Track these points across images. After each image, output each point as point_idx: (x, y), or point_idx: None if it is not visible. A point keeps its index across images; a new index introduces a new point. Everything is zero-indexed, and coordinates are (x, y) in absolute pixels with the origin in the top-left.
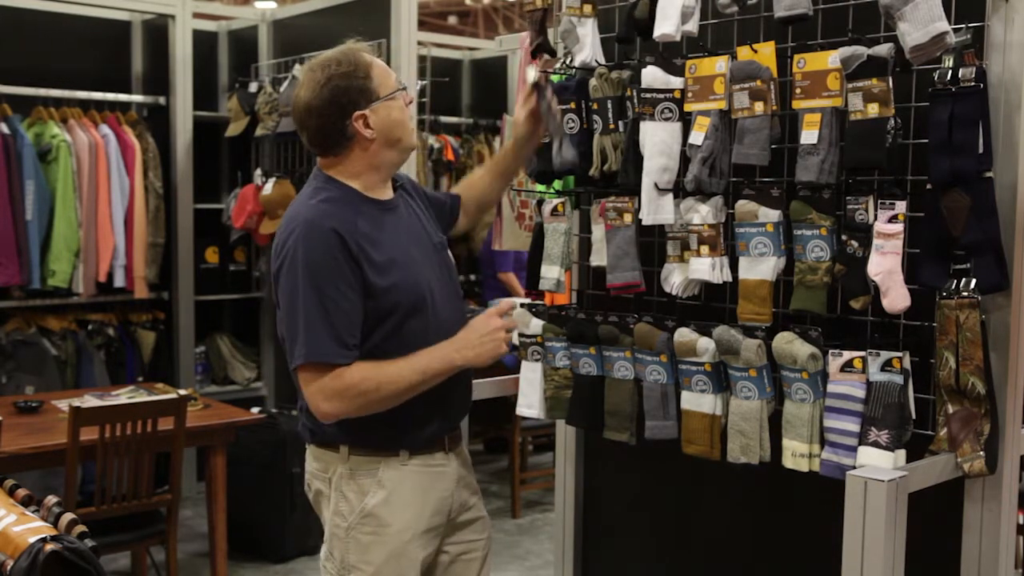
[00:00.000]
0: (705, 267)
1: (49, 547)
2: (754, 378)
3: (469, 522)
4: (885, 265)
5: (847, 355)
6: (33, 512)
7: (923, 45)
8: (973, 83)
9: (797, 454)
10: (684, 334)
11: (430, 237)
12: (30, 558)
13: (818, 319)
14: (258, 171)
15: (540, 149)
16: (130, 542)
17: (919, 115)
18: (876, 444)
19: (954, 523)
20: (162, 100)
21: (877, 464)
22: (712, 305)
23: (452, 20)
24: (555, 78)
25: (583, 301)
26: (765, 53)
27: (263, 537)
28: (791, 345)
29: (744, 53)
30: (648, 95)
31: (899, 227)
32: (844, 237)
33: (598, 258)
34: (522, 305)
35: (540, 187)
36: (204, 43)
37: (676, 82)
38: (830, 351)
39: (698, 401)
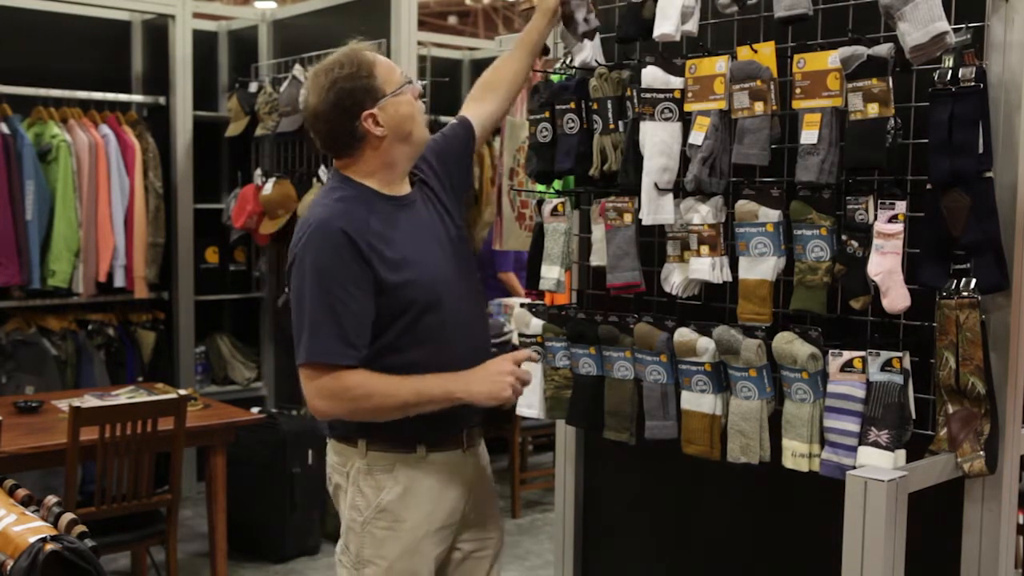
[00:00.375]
0: (705, 267)
1: (49, 547)
2: (754, 378)
3: (483, 520)
4: (885, 265)
5: (847, 355)
6: (33, 512)
7: (923, 45)
8: (973, 83)
9: (797, 454)
10: (684, 334)
11: (447, 231)
12: (30, 558)
13: (818, 319)
14: (258, 171)
15: (540, 149)
16: (130, 542)
17: (919, 115)
18: (876, 444)
19: (954, 523)
20: (162, 100)
21: (877, 464)
22: (712, 305)
23: (452, 20)
24: (555, 78)
25: (583, 301)
26: (765, 53)
27: (263, 537)
28: (791, 345)
29: (744, 53)
30: (648, 95)
31: (899, 227)
32: (844, 237)
33: (598, 258)
34: (522, 305)
35: (540, 187)
36: (204, 43)
37: (676, 82)
38: (830, 351)
39: (698, 401)
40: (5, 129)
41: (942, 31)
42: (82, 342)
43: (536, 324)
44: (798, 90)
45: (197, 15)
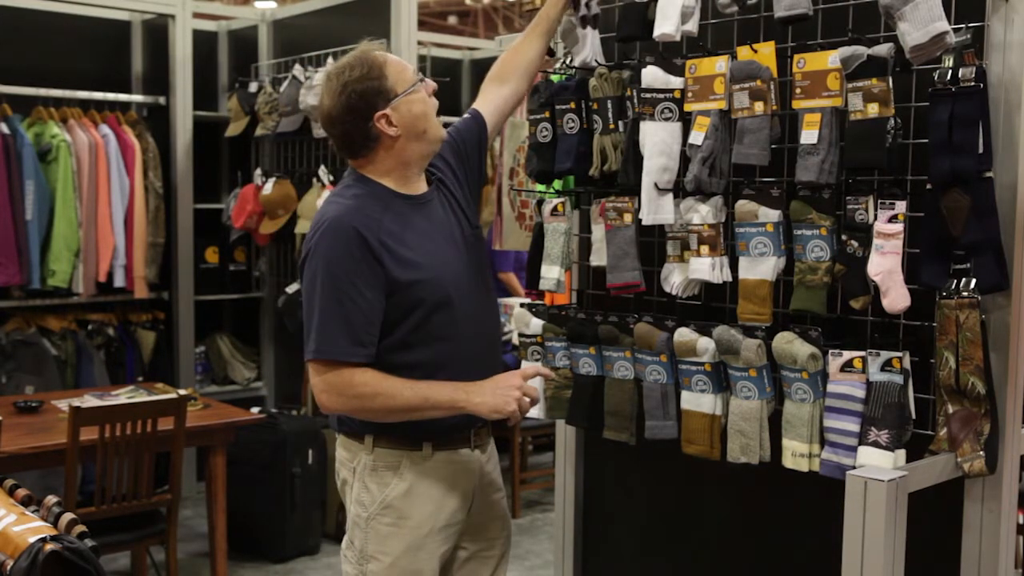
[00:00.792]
0: (705, 267)
1: (49, 547)
2: (754, 378)
3: (490, 520)
4: (885, 265)
5: (847, 355)
6: (33, 512)
7: (923, 45)
8: (973, 83)
9: (797, 454)
10: (684, 334)
11: (462, 230)
12: (30, 558)
13: (818, 319)
14: (258, 171)
15: (540, 149)
16: (130, 542)
17: (919, 115)
18: (876, 444)
19: (954, 523)
20: (162, 100)
21: (877, 464)
22: (712, 305)
23: (452, 20)
24: (555, 78)
25: (583, 301)
26: (765, 53)
27: (263, 537)
28: (791, 345)
29: (744, 53)
30: (648, 95)
31: (899, 227)
32: (844, 237)
33: (598, 258)
34: (522, 305)
35: (540, 187)
36: (204, 43)
37: (676, 82)
38: (830, 351)
39: (698, 401)
40: (5, 129)
41: (942, 31)
42: (82, 342)
43: (536, 324)
44: (798, 90)
45: (197, 15)
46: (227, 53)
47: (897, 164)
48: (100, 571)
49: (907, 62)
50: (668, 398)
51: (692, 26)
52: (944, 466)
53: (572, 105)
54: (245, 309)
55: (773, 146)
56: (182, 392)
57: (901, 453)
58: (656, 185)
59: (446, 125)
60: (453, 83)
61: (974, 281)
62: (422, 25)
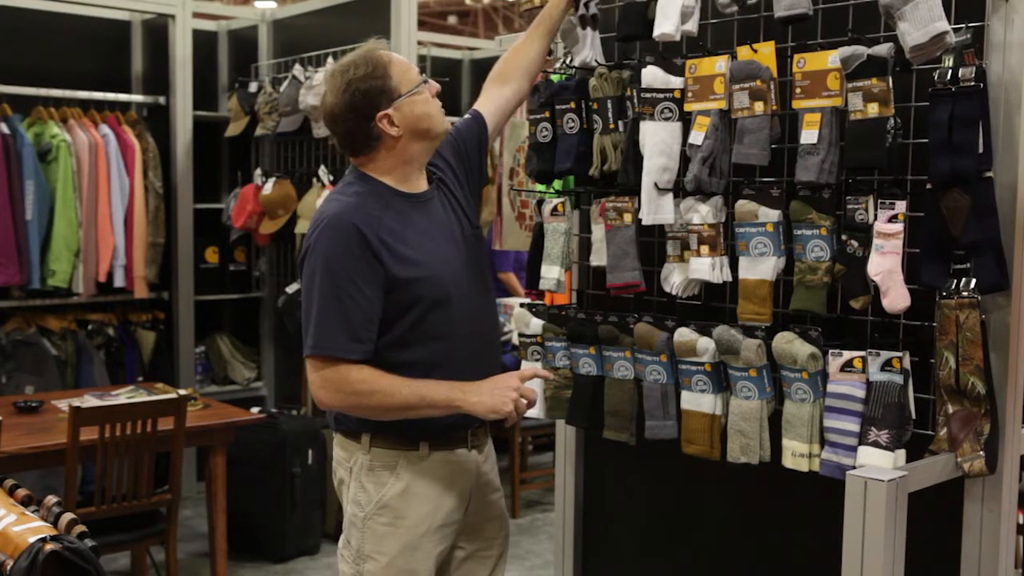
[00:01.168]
0: (705, 267)
1: (49, 547)
2: (754, 378)
3: (488, 520)
4: (885, 265)
5: (847, 355)
6: (33, 512)
7: (923, 45)
8: (973, 83)
9: (797, 454)
10: (684, 334)
11: (462, 229)
12: (30, 558)
13: (818, 319)
14: (258, 171)
15: (540, 149)
16: (130, 542)
17: (919, 115)
18: (876, 444)
19: (954, 523)
20: (162, 100)
21: (877, 464)
22: (712, 305)
23: (452, 20)
24: (555, 78)
25: (583, 301)
26: (765, 53)
27: (263, 537)
28: (791, 345)
29: (744, 53)
30: (648, 95)
31: (899, 227)
32: (844, 237)
33: (598, 258)
34: (522, 305)
35: (540, 187)
36: (204, 43)
37: (676, 82)
38: (830, 351)
39: (698, 401)
40: (5, 129)
41: (942, 31)
42: (82, 342)
43: (536, 324)
44: (798, 90)
45: (197, 15)
46: (227, 53)
47: (897, 164)
48: (100, 571)
49: (907, 62)
50: (668, 398)
51: (692, 26)
52: (944, 466)
53: (572, 105)
54: (245, 309)
55: (773, 146)
56: (182, 392)
57: (901, 453)
58: (656, 185)
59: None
60: (453, 83)
61: (974, 281)
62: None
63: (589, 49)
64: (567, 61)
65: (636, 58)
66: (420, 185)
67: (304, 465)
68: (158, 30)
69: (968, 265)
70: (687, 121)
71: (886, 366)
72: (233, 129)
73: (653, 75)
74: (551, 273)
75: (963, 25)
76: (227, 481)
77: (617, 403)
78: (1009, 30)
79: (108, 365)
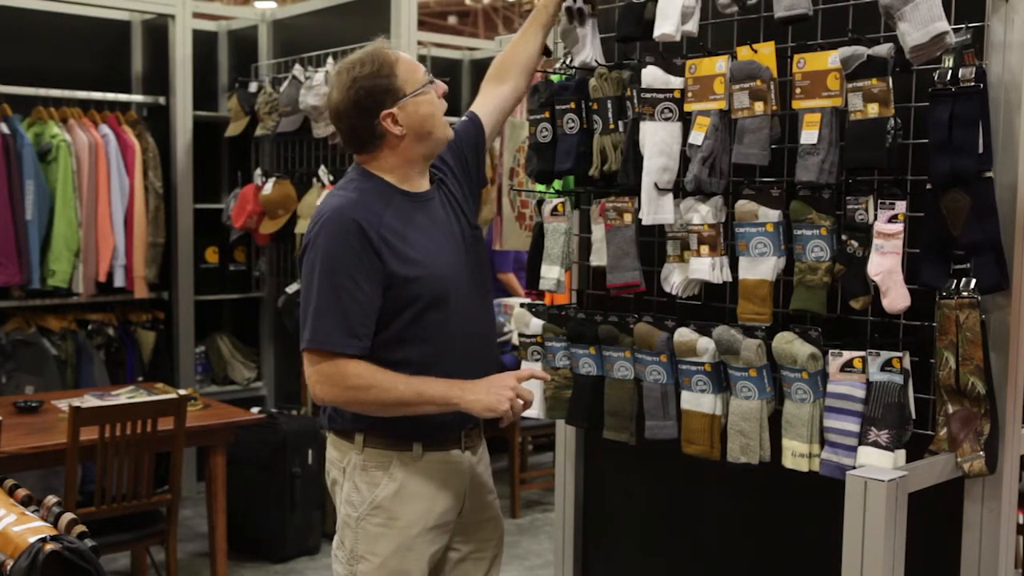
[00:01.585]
0: (705, 267)
1: (49, 547)
2: (754, 378)
3: (482, 522)
4: (885, 265)
5: (847, 355)
6: (33, 512)
7: (923, 45)
8: (973, 83)
9: (797, 454)
10: (684, 334)
11: (462, 230)
12: (30, 558)
13: (818, 319)
14: (258, 171)
15: (540, 149)
16: (130, 542)
17: (919, 115)
18: (876, 444)
19: (954, 523)
20: (162, 100)
21: (877, 464)
22: (712, 305)
23: (452, 20)
24: (555, 78)
25: (583, 301)
26: (765, 53)
27: (263, 537)
28: (791, 345)
29: (744, 53)
30: (648, 95)
31: (899, 227)
32: (844, 237)
33: (598, 258)
34: (522, 305)
35: (540, 187)
36: (204, 43)
37: (676, 82)
38: (830, 351)
39: (698, 401)
40: (5, 129)
41: (942, 31)
42: (82, 342)
43: (536, 324)
44: (798, 90)
45: (197, 15)
46: (227, 53)
47: (897, 164)
48: (100, 571)
49: (907, 62)
50: (668, 398)
51: (692, 26)
52: (944, 466)
53: (572, 105)
54: (245, 309)
55: (773, 146)
56: (182, 392)
57: (901, 453)
58: (656, 185)
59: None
60: (453, 83)
61: (974, 281)
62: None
63: (589, 49)
64: (567, 61)
65: (636, 58)
66: (422, 185)
67: (304, 465)
68: (158, 30)
69: (968, 265)
70: (687, 121)
71: (886, 366)
72: (233, 129)
73: (653, 75)
74: (551, 273)
75: (963, 25)
76: (227, 481)
77: (617, 403)
78: (1009, 30)
79: (108, 365)
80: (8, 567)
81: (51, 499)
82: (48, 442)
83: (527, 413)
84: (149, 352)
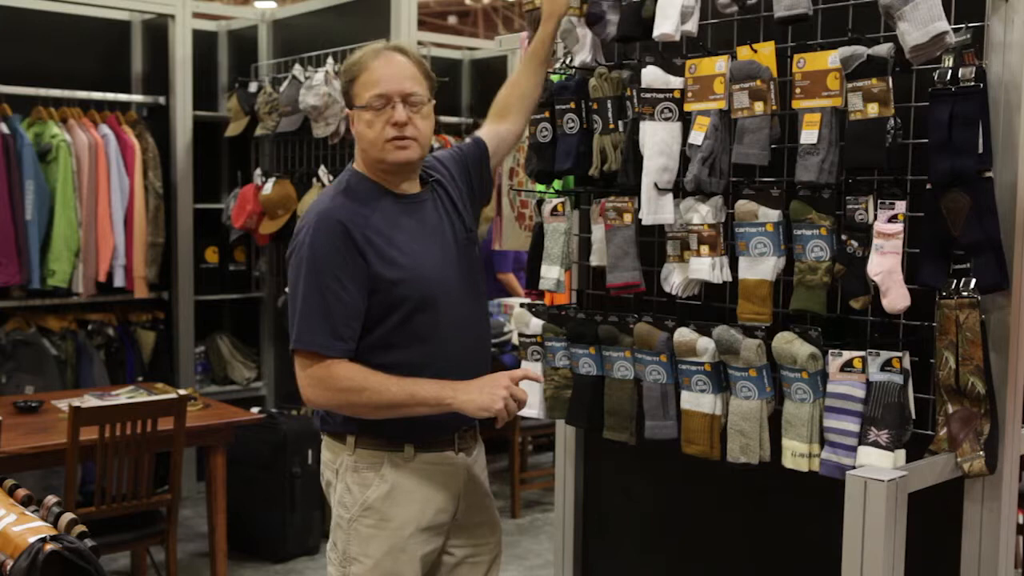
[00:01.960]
0: (705, 267)
1: (49, 547)
2: (754, 378)
3: (478, 525)
4: (885, 265)
5: (847, 355)
6: (33, 512)
7: (923, 45)
8: (973, 83)
9: (797, 454)
10: (684, 334)
11: (455, 233)
12: (30, 558)
13: (818, 319)
14: (258, 171)
15: (540, 149)
16: (130, 542)
17: (919, 115)
18: (876, 444)
19: (954, 523)
20: (162, 100)
21: (877, 464)
22: (712, 305)
23: (452, 20)
24: (555, 78)
25: (583, 301)
26: (765, 53)
27: (263, 537)
28: (791, 345)
29: (744, 53)
30: (648, 95)
31: (899, 227)
32: (844, 237)
33: (598, 258)
34: (522, 305)
35: (540, 187)
36: (204, 43)
37: (676, 82)
38: (830, 351)
39: (698, 401)
40: (5, 129)
41: (942, 31)
42: (82, 342)
43: (536, 324)
44: (798, 90)
45: (197, 15)
46: (227, 53)
47: (897, 164)
48: (100, 571)
49: (907, 62)
50: (668, 398)
51: (692, 26)
52: (944, 466)
53: (572, 105)
54: (245, 309)
55: (773, 146)
56: (182, 392)
57: (901, 453)
58: (656, 185)
59: (446, 127)
60: (453, 83)
61: (974, 281)
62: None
63: (589, 49)
64: (567, 61)
65: (636, 58)
66: (411, 187)
67: (304, 465)
68: (158, 30)
69: (968, 265)
70: (687, 121)
71: (886, 366)
72: (233, 129)
73: (653, 75)
74: (551, 273)
75: (963, 25)
76: (227, 481)
77: (617, 403)
78: (1009, 30)
79: (108, 365)
80: (8, 567)
81: (51, 499)
82: (48, 442)
83: (527, 413)
84: (149, 352)
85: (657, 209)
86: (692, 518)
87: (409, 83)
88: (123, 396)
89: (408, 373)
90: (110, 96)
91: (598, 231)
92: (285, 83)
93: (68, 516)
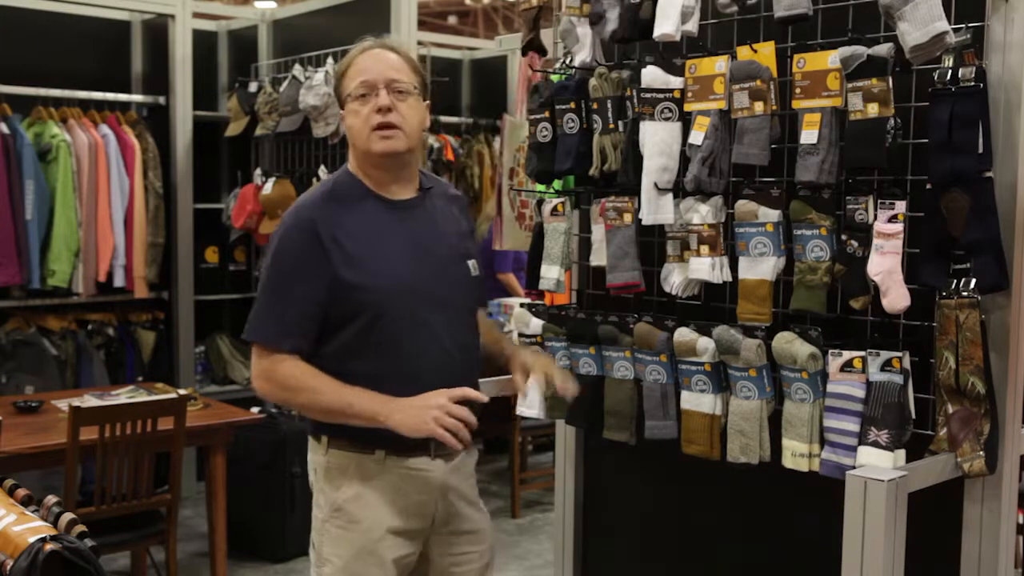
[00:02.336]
0: (705, 267)
1: (49, 547)
2: (754, 378)
3: (461, 533)
4: (885, 265)
5: (847, 355)
6: (33, 512)
7: (923, 45)
8: (973, 83)
9: (797, 454)
10: (684, 334)
11: (446, 241)
12: (30, 558)
13: (818, 319)
14: (258, 171)
15: (540, 149)
16: (130, 542)
17: (919, 115)
18: (876, 444)
19: (954, 523)
20: (162, 100)
21: (877, 464)
22: (712, 305)
23: (452, 20)
24: (555, 78)
25: (583, 301)
26: (765, 53)
27: (263, 537)
28: (791, 345)
29: (744, 53)
30: (648, 95)
31: (899, 227)
32: (844, 237)
33: (598, 258)
34: (522, 305)
35: (540, 187)
36: (204, 43)
37: (676, 82)
38: (830, 351)
39: (698, 401)
40: (5, 129)
41: (942, 31)
42: (82, 342)
43: (536, 324)
44: (798, 90)
45: (197, 15)
46: (227, 53)
47: (897, 164)
48: (100, 571)
49: (907, 62)
50: (668, 398)
51: (692, 26)
52: (944, 466)
53: (572, 105)
54: (245, 309)
55: (773, 146)
56: (182, 392)
57: (901, 453)
58: (656, 185)
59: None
60: (453, 83)
61: (974, 281)
62: (422, 25)
63: (589, 49)
64: (567, 61)
65: (636, 58)
66: (402, 192)
67: (304, 465)
68: (158, 30)
69: (968, 265)
70: (687, 121)
71: (886, 366)
72: (233, 129)
73: (653, 75)
74: (551, 273)
75: (963, 25)
76: (227, 481)
77: (617, 403)
78: (1009, 30)
79: (108, 365)
80: (8, 567)
81: (51, 499)
82: (48, 442)
83: (527, 413)
84: (149, 352)
85: (657, 209)
86: (692, 518)
87: (393, 72)
88: (123, 396)
89: (368, 384)
90: (110, 96)
91: (598, 231)
92: (285, 83)
93: (68, 516)
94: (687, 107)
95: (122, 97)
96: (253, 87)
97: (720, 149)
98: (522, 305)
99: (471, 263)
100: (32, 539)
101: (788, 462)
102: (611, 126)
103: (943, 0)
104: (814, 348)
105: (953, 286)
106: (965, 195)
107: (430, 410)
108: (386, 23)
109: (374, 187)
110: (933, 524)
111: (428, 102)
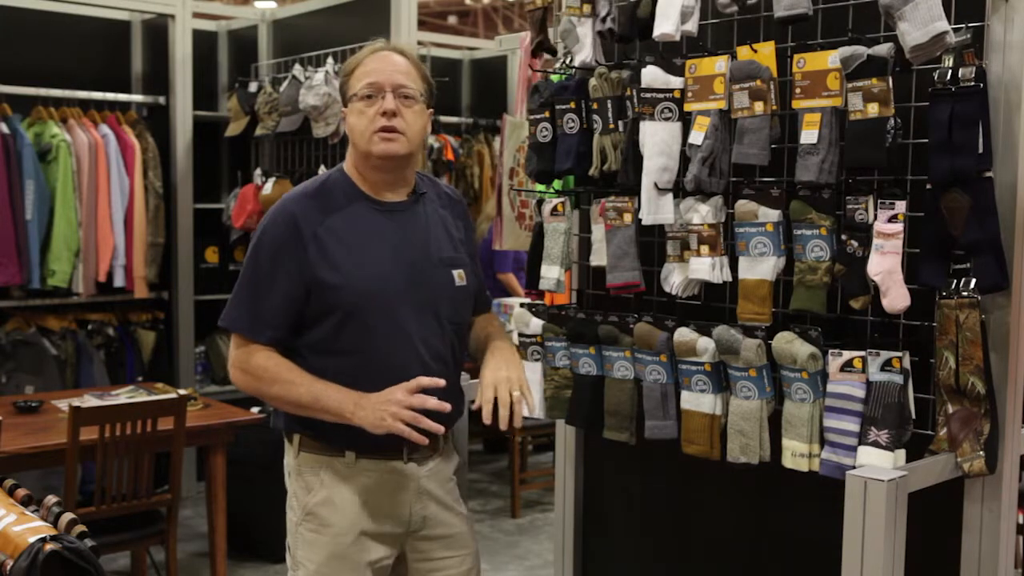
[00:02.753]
0: (705, 267)
1: (49, 547)
2: (754, 378)
3: (439, 537)
4: (885, 265)
5: (847, 355)
6: (33, 512)
7: (923, 45)
8: (973, 83)
9: (797, 454)
10: (684, 334)
11: (431, 254)
12: (30, 558)
13: (818, 319)
14: (258, 171)
15: (540, 149)
16: (130, 542)
17: (919, 115)
18: (876, 444)
19: (954, 523)
20: (162, 100)
21: (877, 464)
22: (712, 305)
23: (452, 20)
24: (555, 78)
25: (583, 301)
26: (765, 53)
27: (263, 537)
28: (791, 345)
29: (744, 53)
30: (648, 95)
31: (899, 227)
32: (844, 237)
33: (598, 258)
34: (522, 305)
35: (540, 187)
36: (204, 43)
37: (676, 82)
38: (830, 351)
39: (698, 401)
40: (5, 129)
41: (942, 31)
42: (82, 342)
43: (536, 324)
44: (798, 90)
45: (197, 15)
46: (227, 53)
47: (897, 164)
48: (100, 571)
49: (907, 62)
50: (668, 398)
51: (692, 26)
52: (944, 466)
53: (572, 105)
54: None
55: (773, 146)
56: (182, 392)
57: (901, 453)
58: (656, 185)
59: (446, 127)
60: (453, 83)
61: (974, 281)
62: (422, 25)
63: (589, 49)
64: (567, 61)
65: (636, 58)
66: (393, 195)
67: None
68: (158, 30)
69: (968, 265)
70: (687, 121)
71: (886, 366)
72: (233, 129)
73: (653, 75)
74: (551, 273)
75: (963, 25)
76: (227, 481)
77: (617, 403)
78: (1009, 30)
79: (108, 365)
80: (8, 567)
81: (51, 499)
82: (48, 442)
83: (526, 413)
84: (149, 352)
85: (657, 209)
86: (692, 518)
87: (402, 77)
88: (123, 396)
89: (343, 381)
90: (110, 96)
91: (598, 231)
92: (285, 83)
93: (68, 516)
94: (687, 107)
95: (122, 97)
96: (253, 87)
97: (720, 149)
98: (522, 305)
99: (457, 272)
100: (32, 539)
101: (788, 462)
102: (611, 126)
103: (943, 0)
104: (814, 348)
105: (953, 286)
106: (965, 195)
107: (388, 406)
108: (386, 23)
109: (366, 188)
110: (933, 524)
111: (431, 110)
